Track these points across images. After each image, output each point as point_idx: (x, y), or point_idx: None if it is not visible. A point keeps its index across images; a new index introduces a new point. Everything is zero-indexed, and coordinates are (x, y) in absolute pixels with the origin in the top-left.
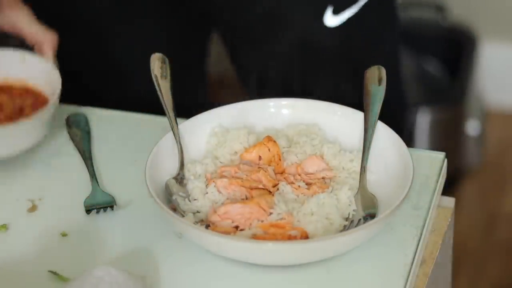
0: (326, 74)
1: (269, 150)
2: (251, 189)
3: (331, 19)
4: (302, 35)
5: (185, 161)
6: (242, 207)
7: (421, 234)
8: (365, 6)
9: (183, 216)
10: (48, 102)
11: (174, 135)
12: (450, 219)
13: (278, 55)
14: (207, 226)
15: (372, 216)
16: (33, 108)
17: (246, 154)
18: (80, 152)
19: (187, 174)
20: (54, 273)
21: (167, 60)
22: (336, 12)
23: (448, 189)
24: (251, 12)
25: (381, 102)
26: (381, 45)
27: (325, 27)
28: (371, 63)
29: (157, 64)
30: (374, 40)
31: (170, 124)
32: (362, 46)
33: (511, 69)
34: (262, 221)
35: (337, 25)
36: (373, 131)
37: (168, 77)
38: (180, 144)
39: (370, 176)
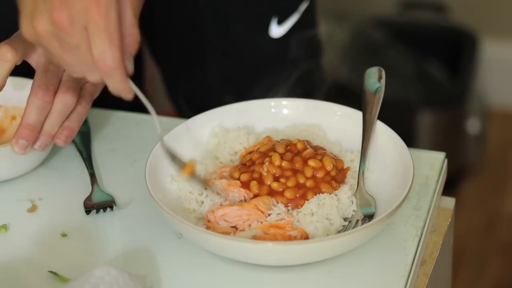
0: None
1: None
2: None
3: (276, 30)
4: (247, 49)
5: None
6: (240, 209)
7: (421, 235)
8: (304, 12)
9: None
10: None
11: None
12: (450, 219)
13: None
14: (206, 227)
15: (369, 217)
16: None
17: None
18: (80, 152)
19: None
20: (54, 273)
21: None
22: (280, 22)
23: (448, 189)
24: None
25: (380, 102)
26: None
27: (271, 39)
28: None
29: None
30: (314, 44)
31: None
32: (303, 53)
33: None
34: (261, 223)
35: (282, 35)
36: (371, 131)
37: None
38: None
39: (370, 176)
